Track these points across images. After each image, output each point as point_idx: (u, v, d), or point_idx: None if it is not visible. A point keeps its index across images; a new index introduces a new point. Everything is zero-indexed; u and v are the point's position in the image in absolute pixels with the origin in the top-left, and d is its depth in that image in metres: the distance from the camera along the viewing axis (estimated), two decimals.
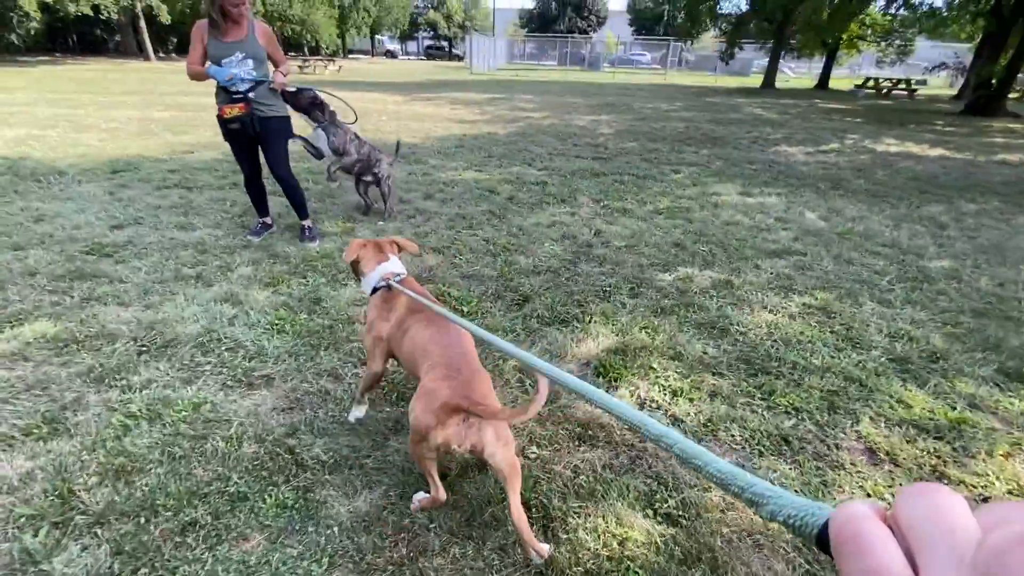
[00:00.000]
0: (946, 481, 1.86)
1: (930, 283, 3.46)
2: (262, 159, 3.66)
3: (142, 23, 26.65)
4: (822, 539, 0.28)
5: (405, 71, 27.35)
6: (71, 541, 1.56)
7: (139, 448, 1.90)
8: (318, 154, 4.08)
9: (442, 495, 1.58)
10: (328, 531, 1.62)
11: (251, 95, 3.33)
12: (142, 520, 1.63)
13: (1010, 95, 14.96)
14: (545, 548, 1.52)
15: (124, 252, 3.52)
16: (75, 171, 5.35)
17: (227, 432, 1.99)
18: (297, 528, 1.63)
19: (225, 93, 3.30)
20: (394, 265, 1.93)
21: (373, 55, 47.93)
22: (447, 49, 53.44)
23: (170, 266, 3.34)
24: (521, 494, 1.71)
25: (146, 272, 3.25)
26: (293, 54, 42.22)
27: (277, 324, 2.73)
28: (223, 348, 2.53)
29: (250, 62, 3.28)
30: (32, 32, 26.72)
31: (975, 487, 1.84)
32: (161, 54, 31.04)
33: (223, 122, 3.35)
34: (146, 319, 2.73)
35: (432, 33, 55.01)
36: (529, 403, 1.22)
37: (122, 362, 2.38)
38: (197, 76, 3.31)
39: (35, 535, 1.57)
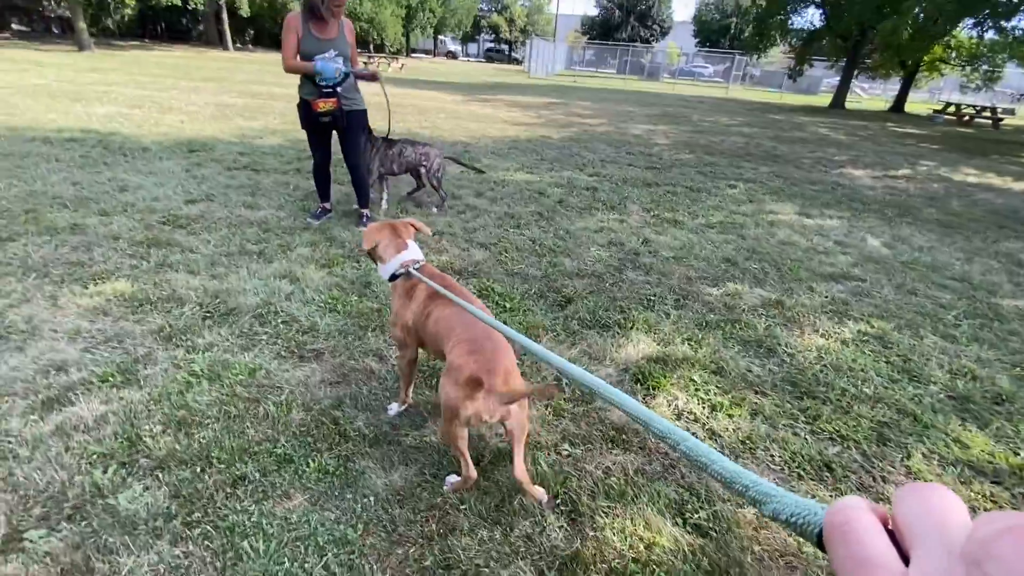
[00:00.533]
0: None
1: (1001, 322, 3.24)
2: (334, 148, 3.86)
3: (224, 15, 28.33)
4: (822, 538, 0.28)
5: (465, 72, 27.87)
6: (135, 481, 1.70)
7: (199, 404, 2.04)
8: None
9: (473, 472, 1.64)
10: (364, 499, 1.70)
11: (339, 89, 3.51)
12: (198, 469, 1.76)
13: None
14: (542, 491, 1.71)
15: (196, 225, 3.77)
16: (157, 148, 5.76)
17: (278, 398, 2.11)
18: (336, 494, 1.72)
19: (314, 86, 3.49)
20: (413, 252, 1.93)
21: (435, 55, 49.05)
22: (507, 52, 54.02)
23: (236, 241, 3.55)
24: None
25: (214, 245, 3.47)
26: (359, 51, 43.87)
27: (330, 303, 2.87)
28: (279, 321, 2.68)
29: (341, 59, 3.48)
30: (125, 18, 28.90)
31: None
32: (239, 44, 32.88)
33: (315, 114, 3.54)
34: (212, 287, 2.92)
35: (494, 36, 55.76)
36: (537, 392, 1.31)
37: (188, 324, 2.57)
38: (296, 70, 3.45)
39: (104, 472, 1.72)
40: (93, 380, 2.13)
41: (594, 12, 52.14)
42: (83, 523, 1.55)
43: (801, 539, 0.34)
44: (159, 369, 2.23)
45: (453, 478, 1.74)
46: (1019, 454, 2.09)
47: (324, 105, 3.49)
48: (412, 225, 2.04)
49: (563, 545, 1.58)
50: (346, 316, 2.77)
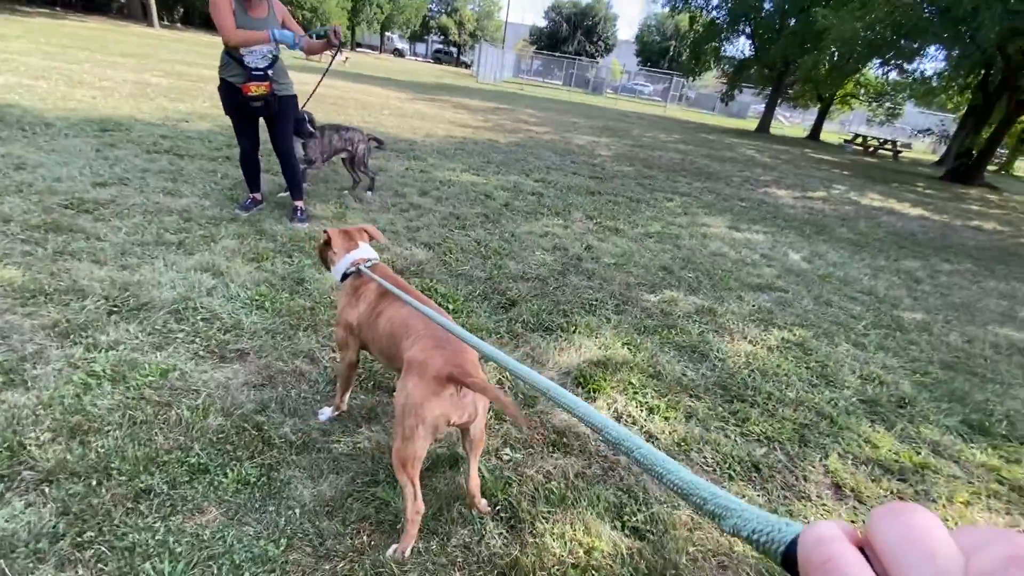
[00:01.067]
0: None
1: (903, 332, 3.56)
2: (262, 136, 3.64)
3: None
4: (788, 558, 0.26)
5: (411, 71, 27.41)
6: (15, 496, 1.48)
7: (99, 409, 1.82)
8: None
9: (421, 505, 1.44)
10: (289, 512, 1.57)
11: (269, 72, 3.31)
12: (94, 483, 1.55)
13: (988, 167, 15.67)
14: (485, 505, 1.67)
15: (105, 210, 3.41)
16: (63, 124, 5.19)
17: (194, 402, 1.93)
18: (257, 506, 1.58)
19: (241, 68, 3.25)
20: (364, 251, 1.87)
21: (381, 51, 47.96)
22: (455, 55, 53.81)
23: (152, 230, 3.24)
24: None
25: (126, 233, 3.15)
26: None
27: (257, 300, 2.67)
28: (198, 318, 2.45)
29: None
30: None
31: None
32: (166, 21, 30.56)
33: (245, 98, 3.30)
34: (121, 279, 2.64)
35: (442, 37, 55.35)
36: (509, 404, 1.23)
37: (90, 320, 2.29)
38: (246, 40, 3.17)
39: None
40: None
41: (543, 23, 53.15)
42: None
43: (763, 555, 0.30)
44: (51, 369, 1.97)
45: (393, 548, 1.49)
46: (920, 453, 2.28)
47: (256, 89, 3.27)
48: (366, 231, 1.96)
49: (502, 553, 1.53)
50: (275, 314, 2.59)
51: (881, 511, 0.22)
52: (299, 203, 3.82)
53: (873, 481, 2.08)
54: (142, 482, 1.58)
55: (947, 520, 1.93)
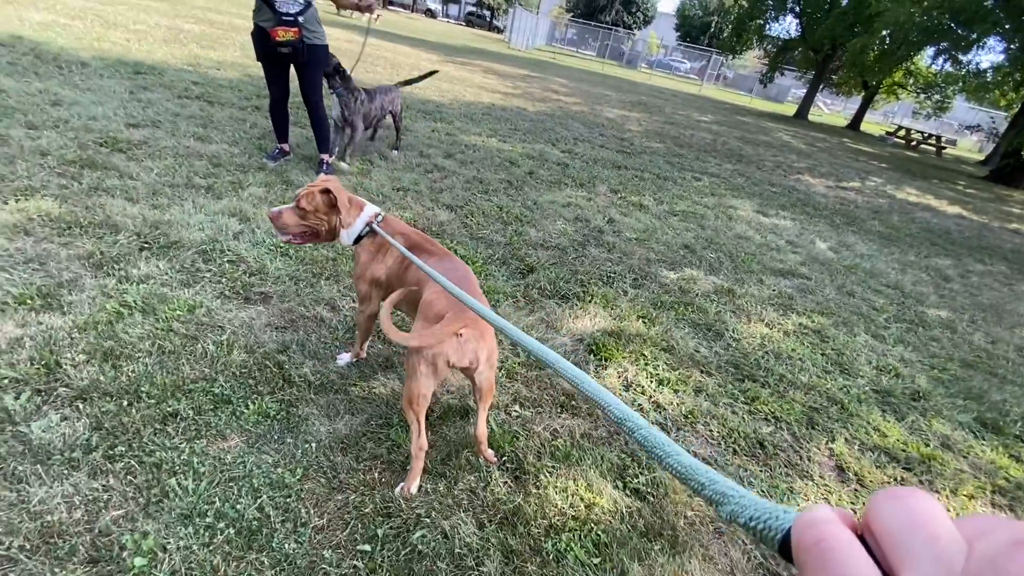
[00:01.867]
0: None
1: (925, 328, 3.50)
2: (293, 85, 3.63)
3: None
4: (785, 545, 0.26)
5: (443, 32, 26.85)
6: (51, 409, 1.57)
7: (130, 336, 1.90)
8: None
9: (424, 441, 1.51)
10: (305, 445, 1.64)
11: (300, 19, 3.27)
12: (125, 403, 1.64)
13: None
14: (493, 454, 1.72)
15: (138, 151, 3.47)
16: (98, 64, 5.24)
17: (219, 337, 2.00)
18: (276, 438, 1.65)
19: (272, 12, 3.23)
20: (371, 209, 1.86)
21: (413, 10, 46.96)
22: (488, 19, 52.45)
23: (182, 172, 3.30)
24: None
25: (158, 174, 3.21)
26: None
27: (282, 247, 2.72)
28: (225, 259, 2.52)
29: None
30: None
31: None
32: None
33: (273, 44, 3.29)
34: (152, 218, 2.71)
35: (476, 0, 53.88)
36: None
37: (123, 253, 2.37)
38: None
39: (16, 397, 1.58)
40: (8, 301, 1.94)
41: None
42: None
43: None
44: (86, 296, 2.06)
45: (400, 486, 1.56)
46: (928, 445, 2.27)
47: (284, 34, 3.25)
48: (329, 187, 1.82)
49: (505, 499, 1.59)
50: (298, 262, 2.64)
51: (882, 495, 0.22)
52: (325, 156, 3.84)
53: (877, 467, 2.09)
54: (169, 406, 1.66)
55: (949, 511, 1.94)
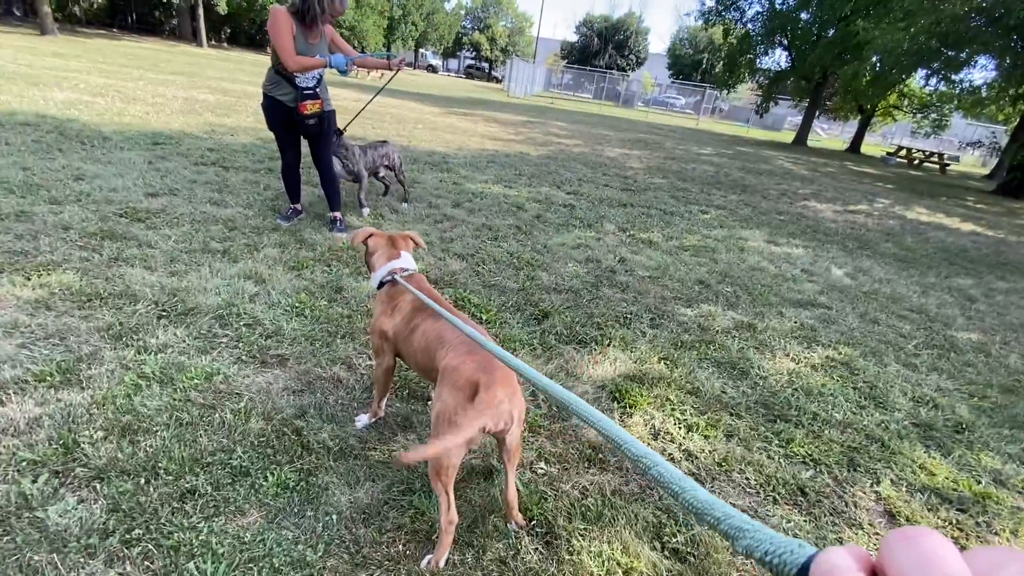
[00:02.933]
0: None
1: (957, 353, 3.38)
2: (304, 150, 3.77)
3: (200, 10, 27.65)
4: None
5: (445, 85, 27.97)
6: (68, 492, 1.53)
7: (148, 409, 1.88)
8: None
9: (454, 515, 1.43)
10: (326, 518, 1.58)
11: (318, 90, 3.46)
12: (142, 481, 1.60)
13: None
14: (522, 518, 1.64)
15: (156, 219, 3.57)
16: (119, 138, 5.48)
17: (237, 405, 1.97)
18: (296, 511, 1.59)
19: (292, 87, 3.39)
20: (404, 261, 1.90)
21: (415, 67, 49.17)
22: (487, 70, 54.67)
23: (199, 238, 3.37)
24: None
25: (175, 241, 3.28)
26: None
27: (297, 307, 2.73)
28: (241, 323, 2.53)
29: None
30: (94, 6, 27.84)
31: None
32: (213, 42, 32.11)
33: (300, 117, 3.45)
34: (170, 285, 2.74)
35: (474, 53, 56.38)
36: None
37: (141, 323, 2.39)
38: (307, 66, 3.30)
39: (34, 481, 1.55)
40: (28, 379, 1.94)
41: (574, 38, 53.53)
42: (5, 538, 1.38)
43: None
44: (105, 370, 2.06)
45: (428, 558, 1.48)
46: (980, 482, 2.14)
47: (312, 107, 3.43)
48: (411, 239, 2.01)
49: (538, 569, 1.50)
50: (314, 321, 2.64)
51: (893, 537, 0.22)
52: (336, 214, 3.92)
53: (930, 510, 1.96)
54: (187, 482, 1.62)
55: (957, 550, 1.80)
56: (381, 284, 1.87)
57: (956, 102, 17.80)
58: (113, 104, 7.34)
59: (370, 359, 2.41)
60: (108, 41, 21.95)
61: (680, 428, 2.23)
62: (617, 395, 2.38)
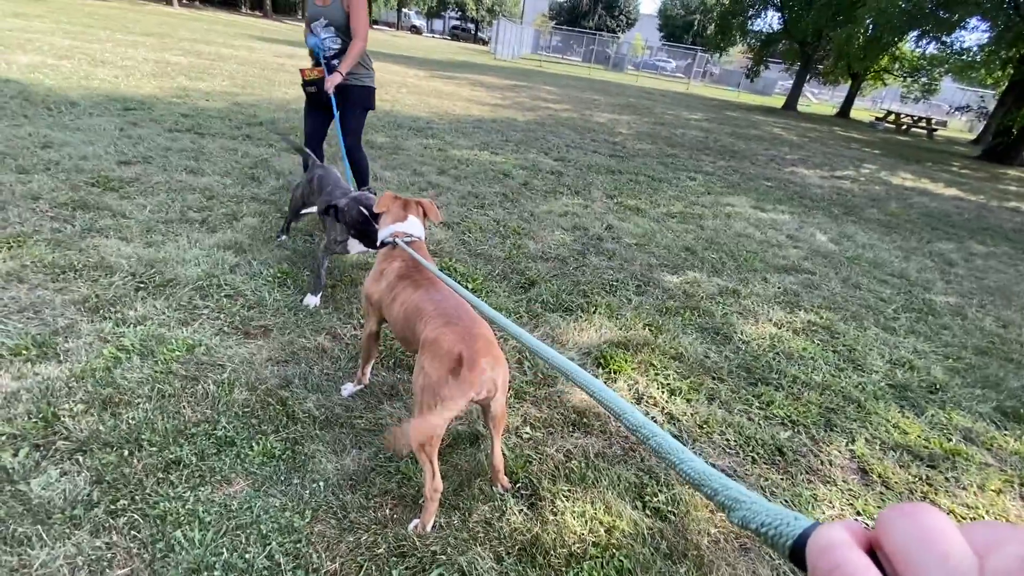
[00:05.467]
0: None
1: (935, 316, 3.45)
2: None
3: None
4: (795, 552, 0.26)
5: (428, 48, 27.04)
6: (51, 465, 1.53)
7: (129, 382, 1.86)
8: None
9: (439, 483, 1.44)
10: (313, 485, 1.59)
11: (334, 62, 3.19)
12: (126, 453, 1.60)
13: None
14: (507, 481, 1.67)
15: (130, 188, 3.45)
16: (87, 103, 5.25)
17: (220, 376, 1.96)
18: (282, 479, 1.61)
19: (315, 56, 3.23)
20: (410, 226, 1.89)
21: (398, 28, 47.39)
22: (472, 32, 52.90)
23: (176, 207, 3.28)
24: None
25: (151, 210, 3.19)
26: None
27: (279, 277, 2.69)
28: (222, 294, 2.49)
29: (331, 28, 3.16)
30: None
31: (964, 518, 1.83)
32: (184, 1, 30.53)
33: (303, 83, 3.26)
34: (147, 256, 2.68)
35: (460, 13, 54.39)
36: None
37: (119, 295, 2.34)
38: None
39: (14, 455, 1.54)
40: (3, 353, 1.90)
41: None
42: None
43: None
44: (82, 343, 2.02)
45: (415, 522, 1.50)
46: (951, 439, 2.22)
47: (310, 73, 3.21)
48: (422, 205, 1.96)
49: (523, 529, 1.54)
50: (297, 292, 2.61)
51: (891, 512, 0.22)
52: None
53: (901, 467, 2.03)
54: (172, 453, 1.61)
55: (978, 508, 1.88)
56: (383, 244, 1.85)
57: (947, 66, 17.67)
58: (80, 67, 7.00)
59: (355, 329, 2.40)
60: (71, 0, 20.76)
61: (663, 392, 2.27)
62: (602, 361, 2.41)
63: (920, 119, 19.65)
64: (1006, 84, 16.62)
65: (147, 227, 2.98)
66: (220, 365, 2.03)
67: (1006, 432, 2.33)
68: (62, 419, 1.67)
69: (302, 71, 3.23)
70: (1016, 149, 14.14)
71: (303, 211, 3.06)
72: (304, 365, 2.11)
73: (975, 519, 1.83)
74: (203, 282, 2.54)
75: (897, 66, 21.64)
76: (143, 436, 1.65)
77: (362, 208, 2.29)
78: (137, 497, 1.47)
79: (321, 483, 1.60)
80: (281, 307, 2.46)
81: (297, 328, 2.34)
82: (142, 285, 2.46)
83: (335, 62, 3.20)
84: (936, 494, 1.92)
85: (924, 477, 1.99)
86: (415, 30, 48.91)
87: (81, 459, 1.55)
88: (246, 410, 1.83)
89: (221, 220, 3.22)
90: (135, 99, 5.74)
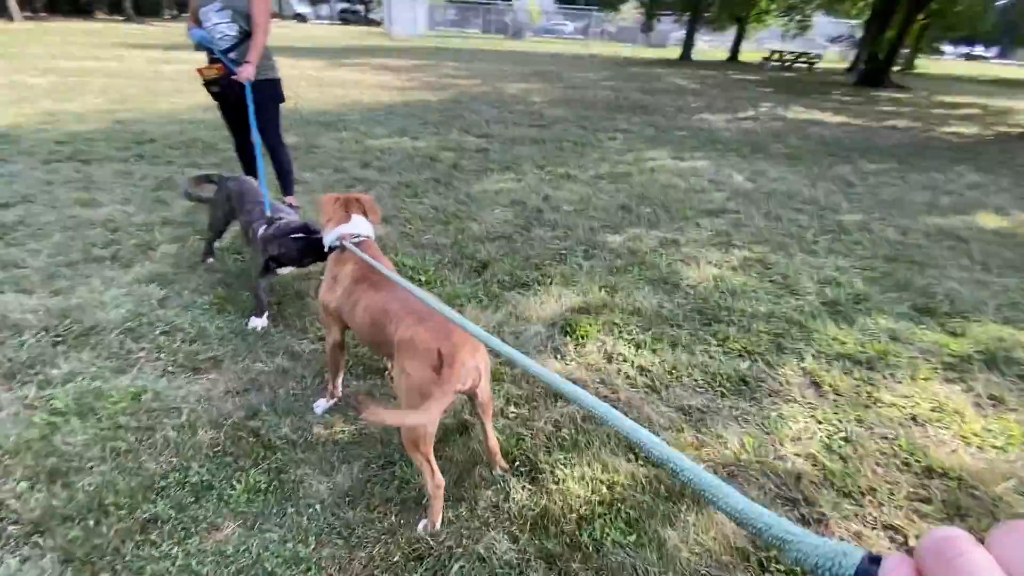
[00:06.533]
0: (880, 404, 2.08)
1: (847, 234, 3.80)
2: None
3: None
4: None
5: (319, 36, 25.48)
6: (6, 554, 1.37)
7: (74, 446, 1.69)
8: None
9: (440, 478, 1.44)
10: (310, 510, 1.53)
11: (232, 55, 2.92)
12: (91, 523, 1.45)
13: (893, 68, 16.53)
14: (505, 464, 1.68)
15: (15, 234, 3.05)
16: None
17: (177, 420, 1.82)
18: (275, 511, 1.53)
19: (208, 51, 2.90)
20: (355, 226, 1.81)
21: (281, 18, 44.21)
22: (363, 13, 50.38)
23: (77, 246, 2.94)
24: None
25: (48, 255, 2.84)
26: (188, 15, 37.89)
27: (217, 303, 2.51)
28: (157, 332, 2.28)
29: (227, 13, 2.87)
30: None
31: (904, 407, 2.07)
32: (28, 12, 26.72)
33: (204, 84, 2.95)
34: (56, 306, 2.40)
35: None
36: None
37: (34, 355, 2.09)
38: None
39: None
40: None
41: None
42: None
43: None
44: (6, 415, 1.79)
45: (424, 523, 1.48)
46: (880, 341, 2.48)
47: (207, 73, 2.91)
48: (361, 202, 1.87)
49: (530, 504, 1.57)
50: (239, 316, 2.44)
51: (1002, 529, 0.22)
52: (290, 199, 3.49)
53: (846, 374, 2.25)
54: (145, 512, 1.49)
55: (913, 396, 2.13)
56: (331, 249, 1.76)
57: (817, 1, 19.05)
58: None
59: (312, 343, 2.29)
60: None
61: (630, 348, 2.36)
62: (568, 329, 2.46)
63: (801, 55, 21.12)
64: (869, 14, 18.20)
65: (48, 274, 2.66)
66: (175, 408, 1.88)
67: (923, 326, 2.64)
68: (5, 503, 1.49)
69: (199, 71, 2.95)
70: (884, 72, 15.61)
71: (226, 228, 2.85)
72: (268, 390, 2.00)
73: (913, 406, 2.07)
74: (131, 323, 2.32)
75: (774, 6, 23.04)
76: (106, 501, 1.51)
77: (293, 237, 2.18)
78: (118, 567, 1.35)
79: (317, 506, 1.55)
80: (227, 335, 2.30)
81: (250, 353, 2.20)
82: (59, 339, 2.20)
83: (233, 55, 2.94)
84: (878, 391, 2.15)
85: (866, 379, 2.22)
86: (300, 18, 45.81)
87: (41, 540, 1.40)
88: (216, 449, 1.72)
89: (134, 252, 2.93)
90: None
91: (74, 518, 1.46)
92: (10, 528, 1.42)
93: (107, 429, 1.76)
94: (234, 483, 1.59)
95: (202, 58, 3.10)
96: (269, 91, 3.12)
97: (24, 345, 2.13)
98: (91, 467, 1.62)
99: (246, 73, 2.84)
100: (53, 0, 29.97)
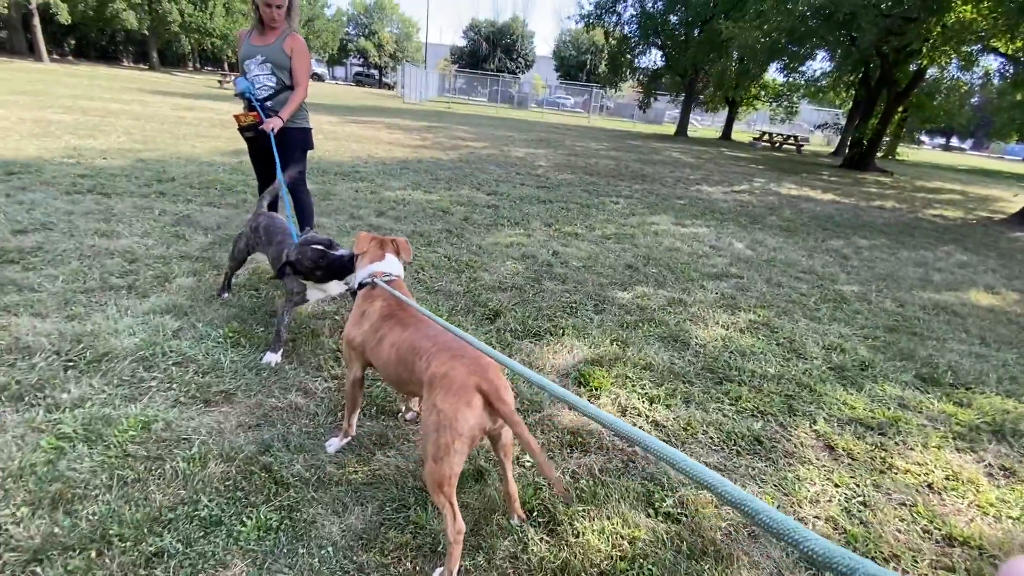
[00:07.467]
0: (895, 470, 2.07)
1: (847, 303, 3.90)
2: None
3: (36, 20, 24.06)
4: None
5: (335, 94, 26.82)
6: None
7: (79, 472, 1.63)
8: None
9: (461, 524, 1.38)
10: (322, 551, 1.48)
11: (268, 103, 3.13)
12: (93, 554, 1.39)
13: (877, 153, 17.51)
14: (523, 512, 1.65)
15: (33, 259, 3.07)
16: None
17: (188, 452, 1.77)
18: (285, 551, 1.47)
19: (247, 99, 3.11)
20: (388, 265, 1.86)
21: None
22: (377, 77, 53.32)
23: (94, 275, 2.96)
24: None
25: (64, 281, 2.86)
26: (211, 68, 39.94)
27: (231, 337, 2.50)
28: (169, 362, 2.27)
29: (268, 66, 3.09)
30: None
31: (918, 475, 2.06)
32: (55, 56, 28.08)
33: (239, 128, 3.13)
34: (70, 331, 2.38)
35: (362, 60, 54.72)
36: (537, 450, 1.26)
37: (45, 378, 2.06)
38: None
39: None
40: None
41: (462, 42, 53.85)
42: None
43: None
44: (11, 437, 1.74)
45: (441, 569, 1.42)
46: (890, 408, 2.50)
47: (245, 119, 3.09)
48: (396, 242, 1.93)
49: (550, 557, 1.52)
50: (254, 350, 2.44)
51: (1019, 561, 0.23)
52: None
53: (858, 438, 2.25)
54: (151, 545, 1.43)
55: (927, 463, 2.12)
56: (362, 286, 1.79)
57: (802, 91, 20.47)
58: None
59: (326, 381, 2.28)
60: None
61: (644, 401, 2.36)
62: (581, 380, 2.46)
63: (789, 137, 22.40)
64: (851, 104, 19.52)
65: (63, 299, 2.67)
66: (185, 439, 1.84)
67: (929, 395, 2.67)
68: (4, 528, 1.42)
69: (236, 116, 3.12)
70: (868, 157, 16.52)
71: (247, 260, 2.89)
72: (280, 426, 1.97)
73: (927, 473, 2.06)
74: (144, 352, 2.30)
75: (764, 93, 24.69)
76: (111, 531, 1.45)
77: (312, 247, 2.22)
78: None
79: (330, 548, 1.49)
80: (240, 369, 2.29)
81: (263, 389, 2.18)
82: (71, 363, 2.18)
83: (269, 103, 3.13)
84: (892, 457, 2.15)
85: (879, 444, 2.22)
86: (317, 77, 48.34)
87: (40, 570, 1.33)
88: (227, 483, 1.67)
89: (151, 283, 2.95)
90: (17, 162, 5.16)
91: (76, 548, 1.40)
92: (7, 555, 1.35)
93: (115, 457, 1.72)
94: (244, 519, 1.54)
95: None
96: (300, 138, 3.32)
97: (35, 367, 2.11)
98: (96, 495, 1.56)
99: (271, 123, 3.02)
100: (81, 45, 31.62)
